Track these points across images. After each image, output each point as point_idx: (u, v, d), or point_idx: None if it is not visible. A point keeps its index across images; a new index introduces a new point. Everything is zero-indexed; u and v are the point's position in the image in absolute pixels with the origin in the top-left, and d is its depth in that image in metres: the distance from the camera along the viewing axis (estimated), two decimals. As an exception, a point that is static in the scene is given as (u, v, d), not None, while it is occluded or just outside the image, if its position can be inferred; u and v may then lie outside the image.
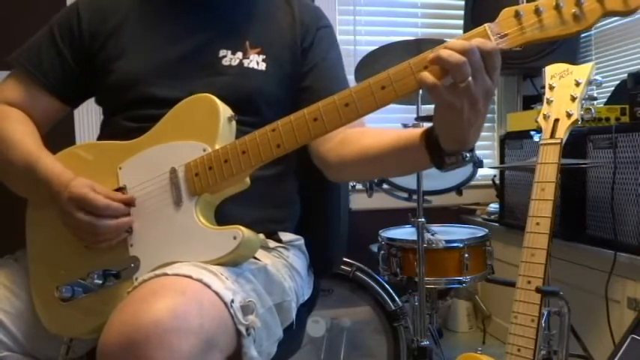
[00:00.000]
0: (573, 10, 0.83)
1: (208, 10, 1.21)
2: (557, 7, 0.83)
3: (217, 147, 0.99)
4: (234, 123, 1.03)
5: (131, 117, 1.15)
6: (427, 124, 1.01)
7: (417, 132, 1.00)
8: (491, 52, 0.84)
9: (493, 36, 0.86)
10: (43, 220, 1.11)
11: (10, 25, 2.29)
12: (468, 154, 0.95)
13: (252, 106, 1.15)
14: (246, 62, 1.17)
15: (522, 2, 0.87)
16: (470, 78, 0.83)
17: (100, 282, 0.98)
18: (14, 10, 2.38)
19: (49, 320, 1.05)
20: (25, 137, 1.13)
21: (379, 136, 1.08)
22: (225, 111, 1.02)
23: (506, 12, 0.86)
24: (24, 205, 1.17)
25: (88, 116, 2.47)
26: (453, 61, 0.83)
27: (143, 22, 1.20)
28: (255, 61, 1.18)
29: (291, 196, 1.28)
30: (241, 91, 1.14)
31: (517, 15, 0.85)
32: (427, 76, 0.85)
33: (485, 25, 0.87)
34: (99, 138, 1.24)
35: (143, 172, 1.03)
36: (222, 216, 1.01)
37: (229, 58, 1.17)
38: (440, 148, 0.95)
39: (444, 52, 0.84)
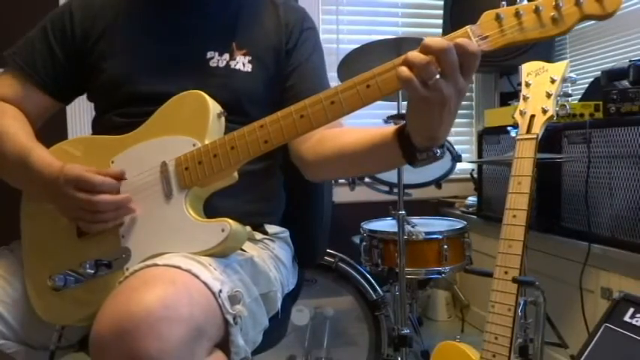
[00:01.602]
0: (552, 14, 0.84)
1: (196, 12, 1.22)
2: (537, 11, 0.85)
3: (207, 142, 1.01)
4: (223, 119, 1.05)
5: (122, 114, 1.17)
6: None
7: (391, 129, 1.01)
8: (475, 53, 0.84)
9: (475, 38, 0.87)
10: (37, 211, 1.13)
11: (2, 24, 2.26)
12: (438, 150, 0.96)
13: (238, 107, 1.16)
14: (232, 64, 1.19)
15: (502, 4, 0.88)
16: (438, 76, 0.84)
17: (92, 272, 0.98)
18: (7, 9, 2.37)
19: (43, 309, 1.07)
20: (18, 132, 1.14)
21: (356, 134, 1.09)
22: (214, 107, 1.04)
23: (488, 14, 0.88)
24: (19, 196, 1.18)
25: (80, 112, 2.46)
26: (417, 62, 0.84)
27: (134, 22, 1.22)
28: (242, 63, 1.20)
29: (277, 190, 1.30)
30: (229, 92, 1.15)
31: (498, 18, 0.87)
32: (403, 70, 0.85)
33: (467, 27, 0.88)
34: (92, 134, 1.24)
35: (135, 166, 1.05)
36: (212, 209, 1.03)
37: (217, 60, 1.19)
38: (411, 144, 0.96)
39: (410, 54, 0.85)
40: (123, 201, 1.03)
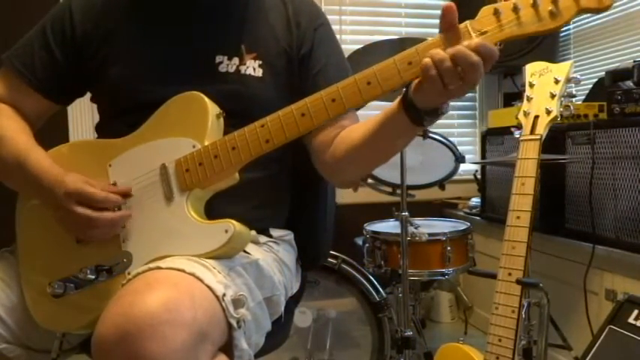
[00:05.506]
0: (549, 8, 0.85)
1: (201, 13, 1.17)
2: (534, 5, 0.86)
3: (207, 143, 1.00)
4: (222, 120, 1.04)
5: (128, 121, 1.12)
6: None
7: (394, 103, 1.01)
8: (464, 55, 0.86)
9: (474, 33, 0.88)
10: (33, 216, 1.11)
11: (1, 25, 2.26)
12: (444, 106, 0.97)
13: (249, 113, 1.07)
14: (242, 69, 1.14)
15: (500, 1, 0.90)
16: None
17: (93, 277, 0.98)
18: (6, 8, 2.37)
19: (41, 317, 1.05)
20: (16, 134, 1.12)
21: (362, 125, 1.10)
22: (213, 108, 1.03)
23: (486, 10, 0.89)
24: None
25: (82, 114, 2.46)
26: (445, 68, 0.86)
27: (137, 26, 1.17)
28: (252, 67, 1.15)
29: (284, 195, 1.28)
30: (240, 99, 1.12)
31: (496, 12, 0.88)
32: (431, 67, 0.87)
33: (467, 22, 0.89)
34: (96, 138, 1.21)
35: (133, 169, 1.04)
36: (218, 215, 1.00)
37: (226, 64, 1.14)
38: (416, 108, 0.96)
39: (443, 65, 0.87)
40: (123, 218, 1.02)
